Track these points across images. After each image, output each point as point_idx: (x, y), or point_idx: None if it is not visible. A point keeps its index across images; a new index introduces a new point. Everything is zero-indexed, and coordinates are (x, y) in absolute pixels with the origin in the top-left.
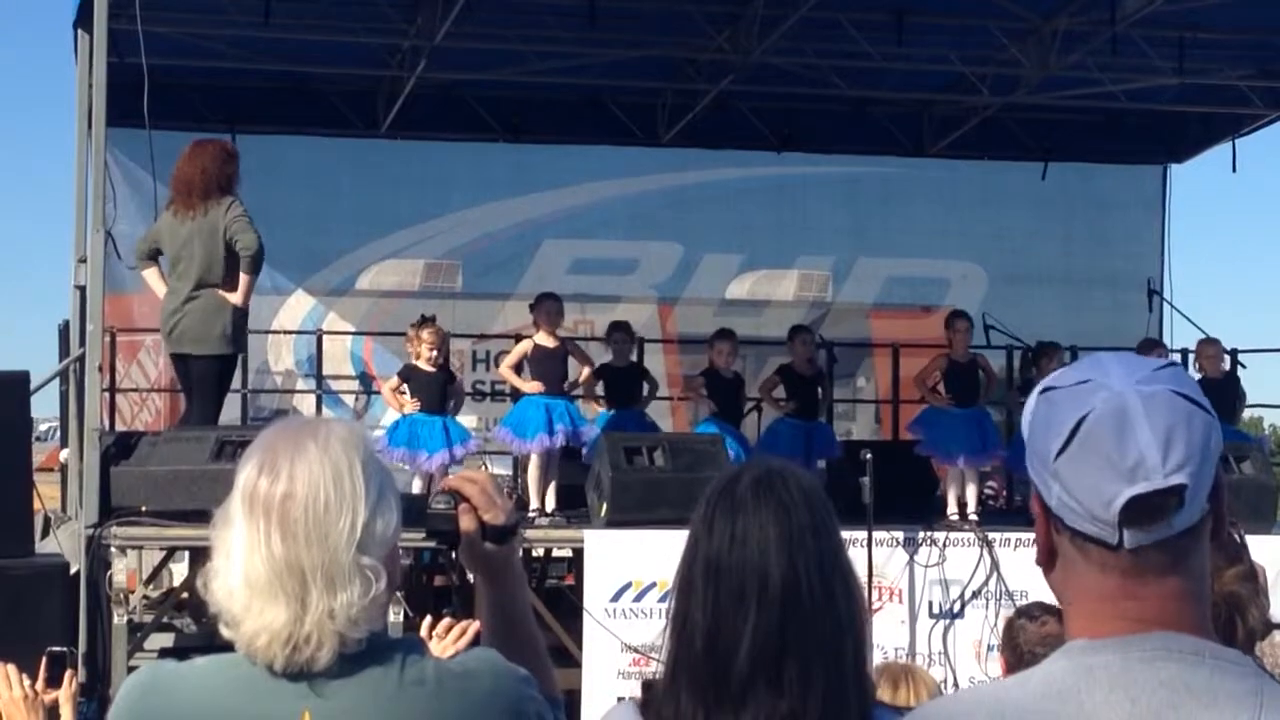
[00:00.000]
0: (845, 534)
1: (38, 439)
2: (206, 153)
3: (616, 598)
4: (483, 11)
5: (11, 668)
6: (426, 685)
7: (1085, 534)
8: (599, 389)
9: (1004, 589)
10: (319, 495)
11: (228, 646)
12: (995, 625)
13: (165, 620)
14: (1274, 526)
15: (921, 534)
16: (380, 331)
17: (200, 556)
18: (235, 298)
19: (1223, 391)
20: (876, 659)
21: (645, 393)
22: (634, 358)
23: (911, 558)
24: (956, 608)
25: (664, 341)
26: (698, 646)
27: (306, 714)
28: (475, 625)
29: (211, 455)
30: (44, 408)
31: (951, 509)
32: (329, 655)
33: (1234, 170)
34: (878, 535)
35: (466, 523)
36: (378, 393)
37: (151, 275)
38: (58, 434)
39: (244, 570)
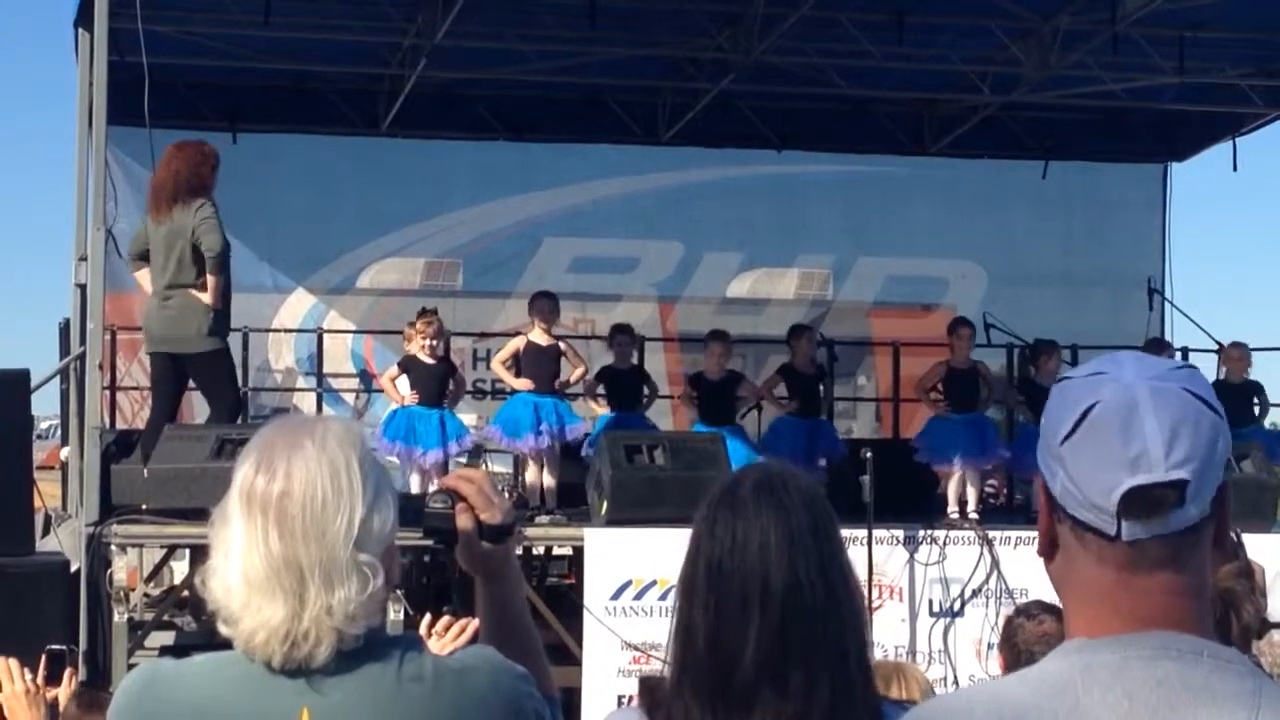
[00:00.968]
0: (846, 532)
1: (38, 437)
2: (181, 155)
3: (617, 596)
4: (483, 10)
5: (13, 662)
6: (424, 682)
7: (1085, 523)
8: (600, 390)
9: (1004, 587)
10: (316, 493)
11: (227, 644)
12: (995, 624)
13: (166, 618)
14: (1274, 525)
15: (922, 532)
16: (381, 330)
17: (200, 554)
18: (206, 298)
19: (1244, 396)
20: (877, 656)
21: (646, 395)
22: (635, 360)
23: (912, 556)
24: (957, 606)
25: (664, 340)
26: (701, 650)
27: (305, 711)
28: (474, 623)
29: (211, 453)
30: (44, 406)
31: (952, 507)
32: (327, 652)
33: (1235, 169)
34: (878, 533)
35: (464, 522)
36: (378, 390)
37: (144, 276)
38: (58, 432)
39: (242, 567)
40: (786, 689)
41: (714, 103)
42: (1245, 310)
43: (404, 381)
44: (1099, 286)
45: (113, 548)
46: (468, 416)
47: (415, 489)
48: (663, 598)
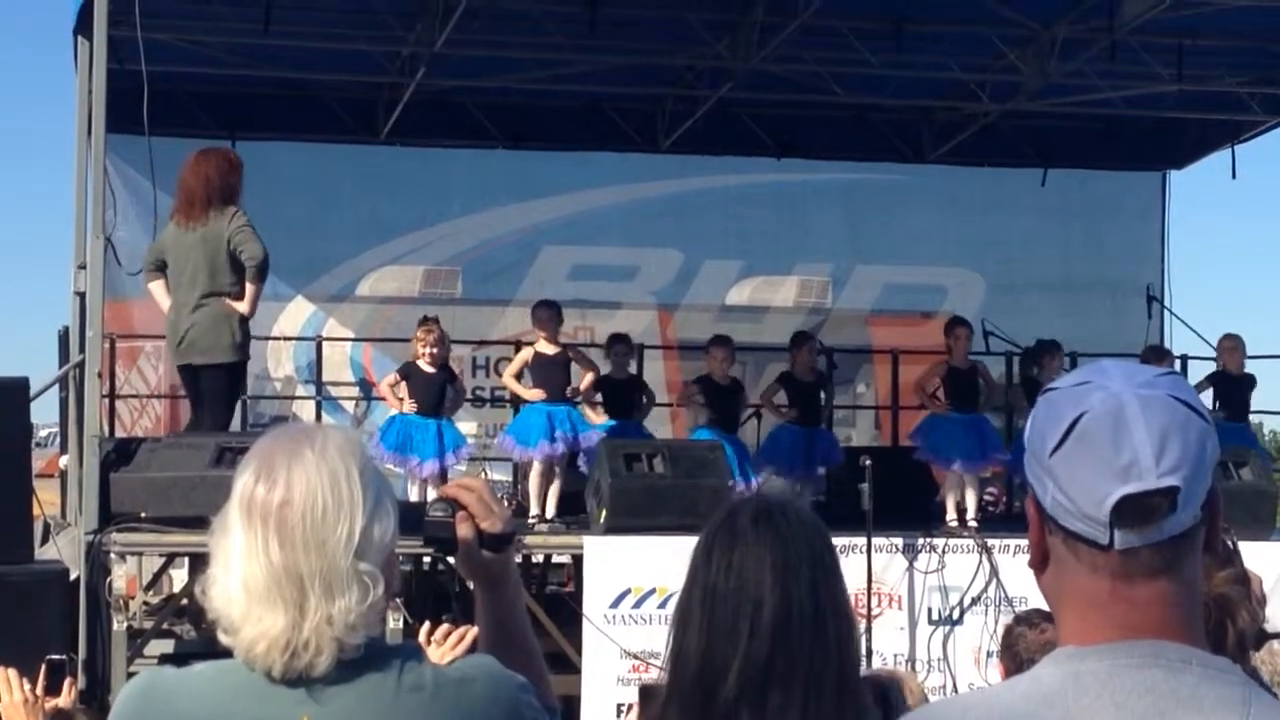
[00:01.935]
0: (845, 540)
1: (37, 445)
2: (210, 162)
3: (616, 604)
4: (482, 19)
5: (12, 672)
6: (424, 691)
7: (1077, 534)
8: (597, 399)
9: (1003, 595)
10: (316, 502)
11: (228, 652)
12: (994, 632)
13: (165, 626)
14: (1272, 533)
15: (921, 540)
16: (380, 338)
17: (200, 562)
18: (242, 307)
19: (1247, 386)
20: (875, 665)
21: (643, 403)
22: (633, 370)
23: (911, 564)
24: (956, 614)
25: (664, 348)
26: (691, 673)
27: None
28: (473, 631)
29: (211, 461)
30: (44, 414)
31: (951, 515)
32: (327, 661)
33: (1233, 177)
34: (877, 542)
35: (464, 531)
36: (378, 399)
37: (158, 288)
38: (57, 440)
39: (242, 577)
40: (764, 714)
41: (713, 111)
42: (1244, 317)
43: (404, 388)
44: (1098, 294)
45: (112, 556)
46: (467, 426)
47: (415, 497)
48: (662, 606)
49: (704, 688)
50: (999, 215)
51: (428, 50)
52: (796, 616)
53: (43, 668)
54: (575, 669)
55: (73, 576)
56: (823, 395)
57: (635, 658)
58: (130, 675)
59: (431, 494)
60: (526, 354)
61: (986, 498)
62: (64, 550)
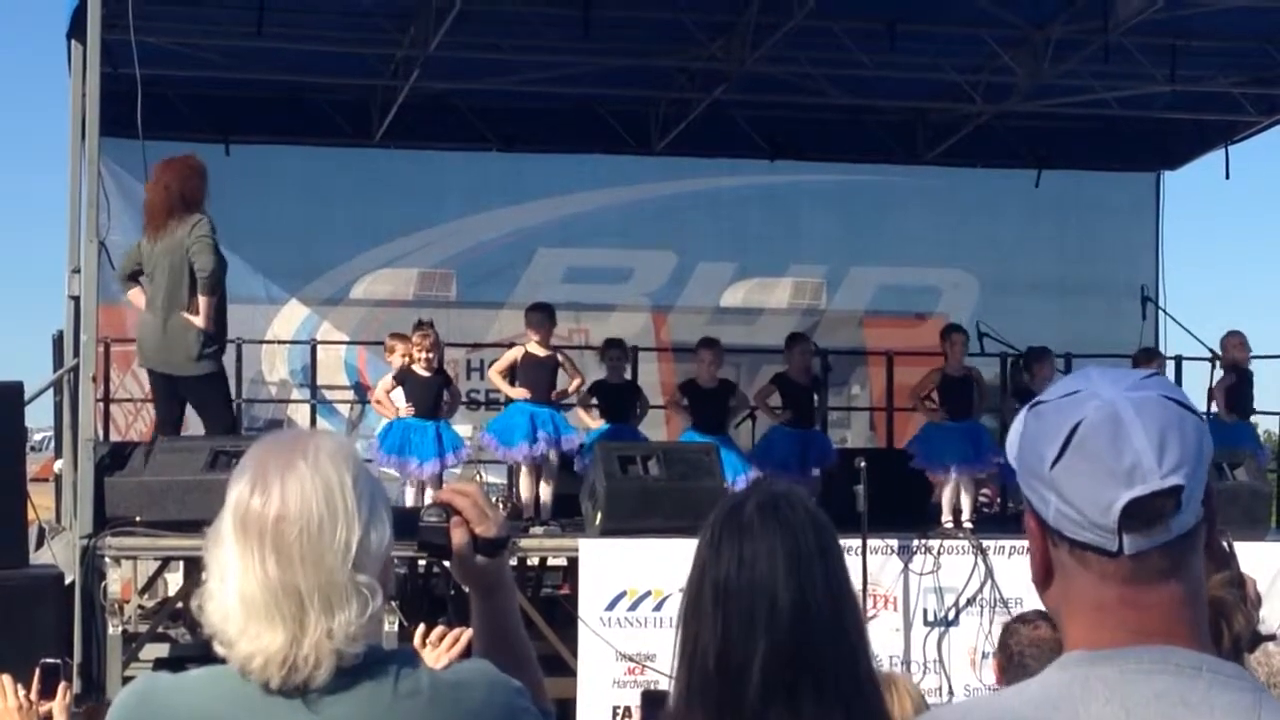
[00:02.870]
0: (840, 542)
1: (32, 449)
2: (170, 170)
3: (611, 606)
4: (476, 21)
5: (6, 678)
6: (420, 696)
7: (1085, 543)
8: (593, 403)
9: (998, 596)
10: (312, 516)
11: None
12: (990, 633)
13: (160, 630)
14: (1268, 533)
15: (916, 542)
16: (375, 341)
17: (195, 566)
18: (198, 320)
19: (1249, 383)
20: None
21: (638, 410)
22: (628, 375)
23: (906, 565)
24: (951, 615)
25: (658, 350)
26: (710, 670)
27: None
28: (467, 633)
29: (206, 465)
30: (38, 418)
31: (946, 516)
32: (326, 674)
33: (1227, 177)
34: (872, 543)
35: (458, 536)
36: (372, 404)
37: (135, 295)
38: (52, 444)
39: (239, 592)
40: (797, 707)
41: (706, 112)
42: (1238, 318)
43: (399, 394)
44: (1092, 295)
45: (107, 560)
46: (463, 428)
47: (411, 501)
48: (657, 608)
49: (727, 685)
50: (993, 216)
51: (421, 53)
52: (814, 608)
53: (37, 671)
54: (571, 672)
55: (68, 581)
56: (815, 398)
57: (631, 660)
58: (125, 679)
59: (431, 495)
60: (516, 353)
61: (981, 499)
62: (59, 554)
